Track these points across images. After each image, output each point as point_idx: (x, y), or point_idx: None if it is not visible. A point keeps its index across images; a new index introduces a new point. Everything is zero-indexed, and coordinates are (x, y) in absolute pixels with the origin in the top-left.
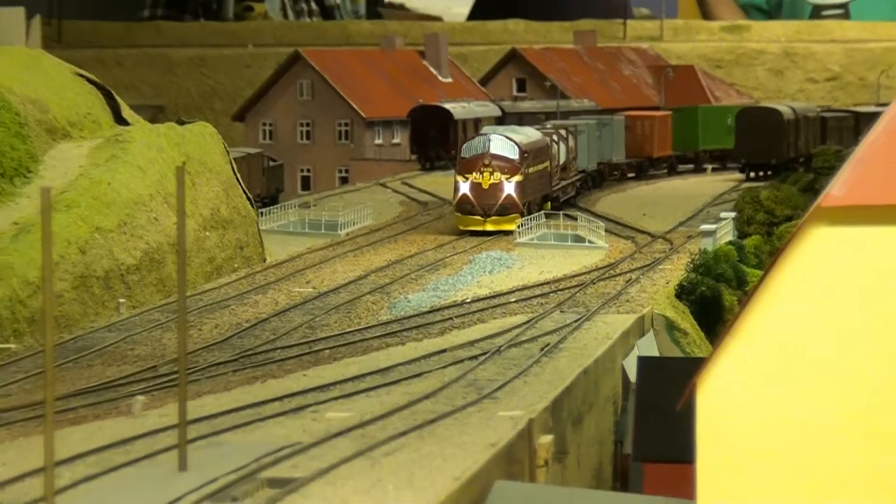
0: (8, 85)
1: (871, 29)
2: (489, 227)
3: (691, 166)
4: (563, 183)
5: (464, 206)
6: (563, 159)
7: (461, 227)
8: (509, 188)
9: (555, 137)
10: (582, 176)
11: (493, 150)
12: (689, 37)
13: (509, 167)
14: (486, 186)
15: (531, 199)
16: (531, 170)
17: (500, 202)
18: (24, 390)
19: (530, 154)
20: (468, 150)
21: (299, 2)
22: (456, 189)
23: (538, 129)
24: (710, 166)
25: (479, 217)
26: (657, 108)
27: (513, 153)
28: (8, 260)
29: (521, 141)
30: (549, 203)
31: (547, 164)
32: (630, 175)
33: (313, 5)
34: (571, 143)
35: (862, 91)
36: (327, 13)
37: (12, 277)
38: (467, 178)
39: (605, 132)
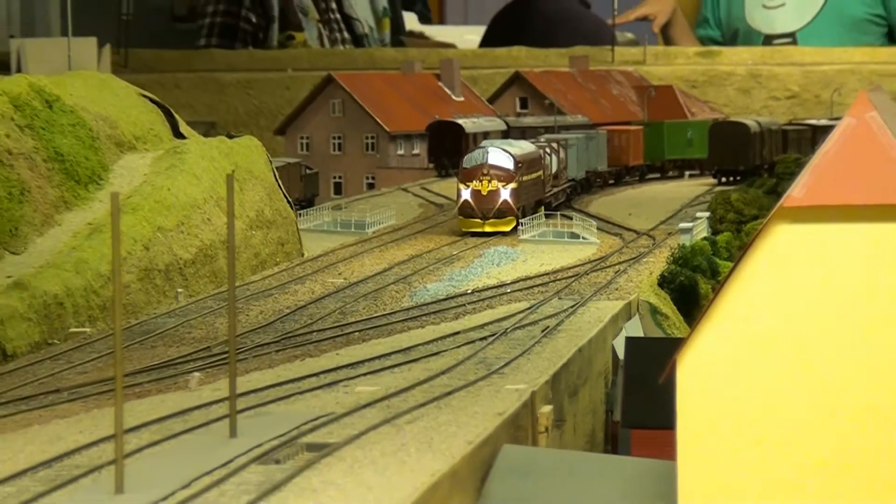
0: (83, 104)
1: (825, 54)
2: (487, 229)
3: (658, 174)
4: (555, 190)
5: (465, 211)
6: (554, 169)
7: (462, 229)
8: (505, 194)
9: (547, 150)
10: (572, 184)
11: (490, 161)
12: (668, 61)
13: (505, 176)
14: (484, 193)
15: (525, 203)
16: (525, 178)
17: (497, 206)
18: (97, 368)
19: (524, 164)
20: (469, 161)
21: (333, 32)
22: (458, 195)
23: (532, 143)
24: (688, 172)
25: (478, 220)
26: (640, 123)
27: (508, 163)
28: (83, 255)
29: (515, 153)
30: (543, 207)
31: (540, 172)
32: (611, 182)
33: (346, 34)
34: (562, 154)
35: (817, 107)
36: (357, 41)
37: (87, 271)
38: (468, 186)
39: (592, 144)
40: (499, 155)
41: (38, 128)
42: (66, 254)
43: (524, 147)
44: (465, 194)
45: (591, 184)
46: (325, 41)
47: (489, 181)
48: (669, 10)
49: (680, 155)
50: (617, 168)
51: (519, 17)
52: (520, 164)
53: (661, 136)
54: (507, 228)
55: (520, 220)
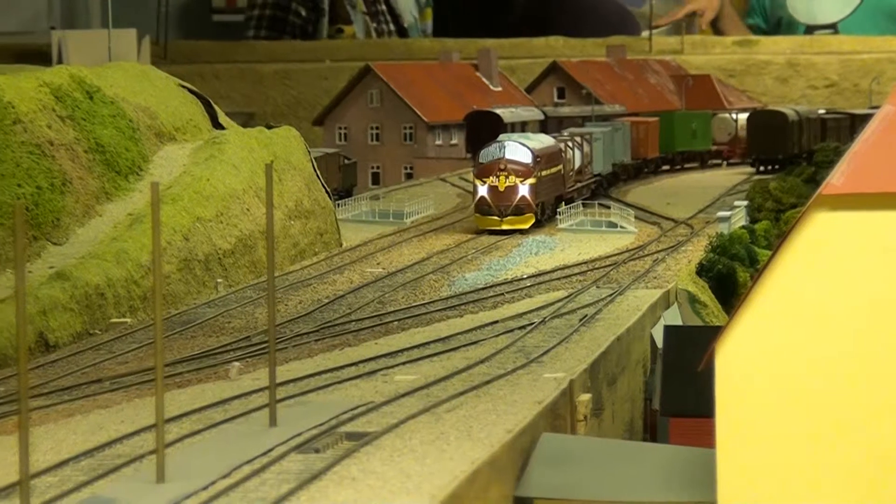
0: (123, 95)
1: (863, 42)
2: (505, 227)
3: (668, 166)
4: (578, 185)
5: (482, 208)
6: (577, 164)
7: (479, 227)
8: (523, 190)
9: (570, 144)
10: (597, 179)
11: (507, 156)
12: (706, 50)
13: (523, 171)
14: (501, 189)
15: (545, 199)
16: (544, 173)
17: (514, 203)
18: (137, 358)
19: (543, 159)
20: (485, 155)
21: (380, 24)
22: (475, 192)
23: (554, 137)
24: (724, 161)
25: (495, 217)
26: (654, 114)
27: (526, 158)
28: (124, 246)
29: (534, 147)
30: (564, 203)
31: (560, 167)
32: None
33: (391, 26)
34: (587, 149)
35: (856, 96)
36: (403, 32)
37: (127, 261)
38: (485, 182)
39: (618, 136)
40: (516, 149)
41: (79, 119)
42: (107, 244)
43: (543, 141)
44: (482, 191)
45: (618, 178)
46: (373, 34)
47: (506, 176)
48: (717, 4)
49: (687, 147)
50: (638, 161)
51: (544, 4)
52: (538, 159)
53: (671, 128)
54: (526, 226)
55: (538, 218)
